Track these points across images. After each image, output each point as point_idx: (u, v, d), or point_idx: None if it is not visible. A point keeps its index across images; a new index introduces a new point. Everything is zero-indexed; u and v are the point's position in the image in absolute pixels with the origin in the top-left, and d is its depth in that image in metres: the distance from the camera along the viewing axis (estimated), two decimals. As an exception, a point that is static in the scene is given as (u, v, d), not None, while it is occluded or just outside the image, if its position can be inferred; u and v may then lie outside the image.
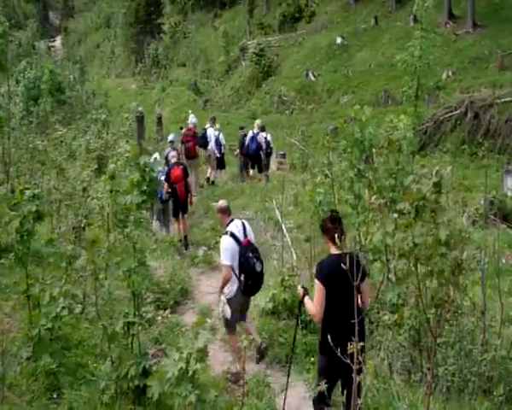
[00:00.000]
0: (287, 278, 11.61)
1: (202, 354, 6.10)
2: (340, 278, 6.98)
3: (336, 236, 7.25)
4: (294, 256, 14.33)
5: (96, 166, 19.37)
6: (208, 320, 11.99)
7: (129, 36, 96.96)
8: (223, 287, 10.57)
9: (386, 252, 9.43)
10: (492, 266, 10.03)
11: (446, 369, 8.24)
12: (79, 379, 8.07)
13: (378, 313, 9.77)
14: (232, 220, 10.88)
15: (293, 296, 11.15)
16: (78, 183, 15.64)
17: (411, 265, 7.31)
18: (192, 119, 25.98)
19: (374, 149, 10.88)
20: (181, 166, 17.64)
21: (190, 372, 5.99)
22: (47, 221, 12.07)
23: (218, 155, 25.74)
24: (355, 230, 10.44)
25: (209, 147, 25.42)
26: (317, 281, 7.61)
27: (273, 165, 28.95)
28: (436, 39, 20.81)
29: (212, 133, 25.46)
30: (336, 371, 7.32)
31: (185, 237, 17.47)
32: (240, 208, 20.28)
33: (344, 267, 5.76)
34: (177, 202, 17.50)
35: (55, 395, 7.66)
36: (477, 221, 18.38)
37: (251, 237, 10.76)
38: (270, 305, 11.53)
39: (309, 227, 14.51)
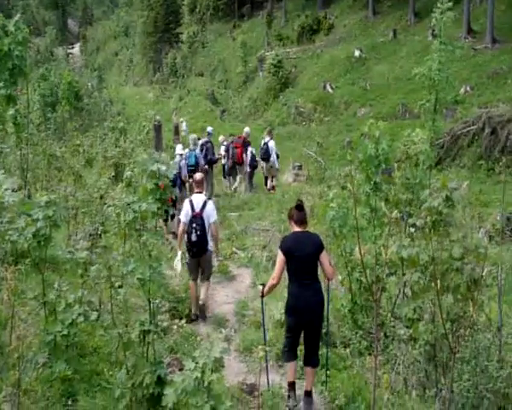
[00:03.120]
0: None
1: (218, 364, 6.09)
2: (298, 249, 9.01)
3: (298, 218, 9.29)
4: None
5: (113, 174, 19.43)
6: (223, 330, 12.03)
7: (147, 44, 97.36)
8: (179, 239, 13.32)
9: (403, 266, 9.40)
10: (509, 283, 10.01)
11: (462, 385, 8.20)
12: (94, 386, 8.08)
13: (394, 327, 9.75)
14: (199, 193, 13.37)
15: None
16: (95, 190, 15.72)
17: (427, 279, 7.32)
18: (246, 128, 28.29)
19: (393, 164, 10.88)
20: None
21: (205, 382, 5.99)
22: (63, 228, 12.12)
23: (277, 167, 27.18)
24: (371, 243, 10.41)
25: (271, 159, 26.33)
26: (279, 251, 9.21)
27: (290, 177, 29.02)
28: (455, 53, 20.78)
29: (273, 146, 26.42)
30: (298, 326, 9.25)
31: None
32: (256, 219, 20.32)
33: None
34: None
35: (70, 402, 7.68)
36: (494, 237, 18.29)
37: (206, 213, 12.95)
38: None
39: (324, 239, 14.56)
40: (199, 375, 5.99)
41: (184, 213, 13.02)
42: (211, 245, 13.27)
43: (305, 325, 9.23)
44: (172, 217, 18.74)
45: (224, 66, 77.48)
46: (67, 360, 7.61)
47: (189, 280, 13.41)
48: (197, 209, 12.93)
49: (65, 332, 7.53)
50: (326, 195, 14.11)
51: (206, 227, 12.97)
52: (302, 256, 9.01)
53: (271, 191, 26.00)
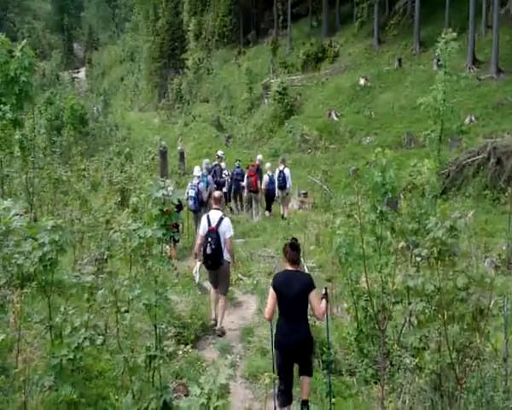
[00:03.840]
0: (308, 317, 11.58)
1: (223, 390, 6.09)
2: (287, 288, 9.32)
3: (290, 258, 9.57)
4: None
5: (119, 199, 19.49)
6: (229, 357, 12.01)
7: (153, 70, 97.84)
8: (197, 250, 14.32)
9: (408, 295, 9.40)
10: (515, 313, 9.98)
11: (467, 415, 8.18)
12: (100, 411, 8.09)
13: (399, 356, 9.73)
14: (217, 210, 14.10)
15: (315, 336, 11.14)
16: (101, 215, 15.76)
17: (433, 309, 7.33)
18: (259, 156, 28.76)
19: (399, 193, 10.90)
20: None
21: (211, 408, 5.99)
22: (69, 251, 12.15)
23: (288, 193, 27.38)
24: (377, 272, 10.42)
25: (287, 186, 26.61)
26: (270, 287, 9.55)
27: (295, 204, 29.07)
28: (459, 83, 20.83)
29: (289, 174, 26.75)
30: (283, 360, 9.52)
31: None
32: (261, 246, 20.31)
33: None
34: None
35: (75, 426, 7.68)
36: (500, 267, 18.25)
37: (221, 228, 13.69)
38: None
39: (330, 267, 14.59)
40: (205, 401, 5.99)
41: (202, 228, 13.97)
42: (227, 257, 13.93)
43: (291, 360, 9.60)
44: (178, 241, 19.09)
45: (229, 92, 77.68)
46: (73, 384, 7.60)
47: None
48: (213, 224, 13.72)
49: (71, 356, 7.52)
50: (332, 223, 14.12)
51: (222, 242, 13.70)
52: (290, 295, 9.34)
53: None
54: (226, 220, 13.97)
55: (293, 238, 10.19)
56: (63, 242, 7.57)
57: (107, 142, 51.17)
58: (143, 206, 9.47)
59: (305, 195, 31.84)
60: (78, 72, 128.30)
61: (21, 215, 6.98)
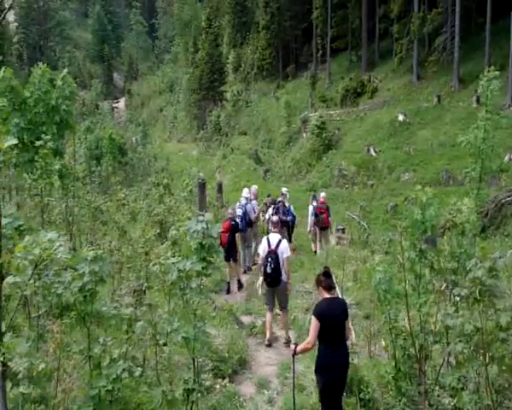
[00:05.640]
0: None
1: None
2: (330, 314, 9.66)
3: (327, 285, 9.95)
4: (353, 333, 14.24)
5: (158, 231, 19.56)
6: (266, 392, 11.95)
7: (191, 101, 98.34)
8: (259, 270, 15.43)
9: (447, 334, 9.33)
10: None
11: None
12: (138, 443, 8.10)
13: (438, 396, 9.64)
14: (275, 233, 15.35)
15: (351, 374, 11.07)
16: (140, 246, 15.85)
17: (472, 349, 7.27)
18: (323, 193, 28.76)
19: (438, 232, 10.84)
20: (232, 222, 20.44)
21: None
22: (108, 282, 12.22)
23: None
24: (416, 310, 10.35)
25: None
26: (313, 316, 9.72)
27: (333, 239, 29.00)
28: (500, 122, 20.71)
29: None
30: (332, 384, 9.75)
31: (238, 280, 20.62)
32: (299, 281, 20.23)
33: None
34: (222, 247, 19.81)
35: (113, 457, 7.69)
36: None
37: (280, 249, 14.81)
38: (329, 381, 11.40)
39: (368, 304, 14.52)
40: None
41: (262, 249, 15.17)
42: (284, 277, 14.99)
43: (339, 383, 9.87)
44: (234, 258, 20.61)
45: (267, 125, 77.98)
46: (111, 416, 7.62)
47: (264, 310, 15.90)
48: (272, 246, 14.91)
49: (109, 387, 7.54)
50: (370, 259, 14.08)
51: (280, 262, 14.83)
52: (334, 321, 9.70)
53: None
54: (284, 242, 15.16)
55: (325, 267, 10.56)
56: (103, 273, 7.62)
57: (146, 172, 51.56)
58: (182, 239, 9.51)
59: (343, 230, 31.72)
60: (117, 102, 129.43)
61: (64, 247, 7.03)
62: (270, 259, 14.80)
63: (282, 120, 73.55)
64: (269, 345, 14.86)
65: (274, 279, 14.88)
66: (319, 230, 26.99)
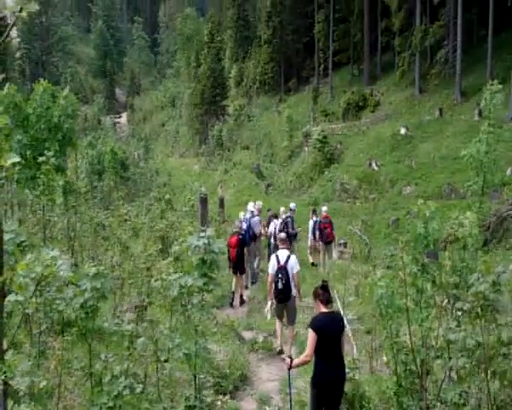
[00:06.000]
0: (347, 370, 11.49)
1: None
2: (327, 328, 9.86)
3: (324, 299, 10.18)
4: (355, 348, 14.22)
5: (159, 246, 19.57)
6: (267, 408, 11.93)
7: (193, 116, 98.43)
8: (269, 289, 15.72)
9: (449, 349, 9.31)
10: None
11: None
12: (139, 460, 8.06)
13: (439, 412, 9.62)
14: (284, 249, 15.65)
15: (353, 390, 11.07)
16: (142, 261, 15.85)
17: (473, 364, 7.26)
18: (324, 207, 28.86)
19: (440, 245, 10.81)
20: (239, 236, 20.88)
21: None
22: (110, 298, 12.21)
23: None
24: (417, 325, 10.34)
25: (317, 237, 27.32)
26: (310, 330, 9.88)
27: (334, 254, 28.99)
28: (503, 135, 20.76)
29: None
30: (323, 398, 9.85)
31: (241, 295, 20.79)
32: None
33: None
34: (230, 262, 20.79)
35: None
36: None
37: (288, 265, 15.16)
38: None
39: (370, 319, 14.50)
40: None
41: (271, 267, 15.46)
42: (294, 292, 15.45)
43: (334, 398, 10.03)
44: (242, 271, 21.02)
45: (269, 139, 78.00)
46: (113, 433, 7.60)
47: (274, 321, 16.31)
48: (282, 262, 15.24)
49: (110, 404, 7.52)
50: (372, 274, 14.07)
51: (290, 277, 15.22)
52: (330, 335, 9.89)
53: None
54: (293, 257, 15.57)
55: (323, 281, 10.88)
56: (105, 289, 7.62)
57: (148, 187, 51.55)
58: (184, 254, 9.50)
59: (345, 245, 31.74)
60: (119, 117, 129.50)
61: (66, 264, 7.03)
62: (280, 275, 15.11)
63: (283, 134, 73.58)
64: (280, 351, 15.17)
65: (285, 295, 15.18)
66: (324, 244, 27.05)
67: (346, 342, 10.13)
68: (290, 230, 24.99)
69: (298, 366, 10.50)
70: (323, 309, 10.18)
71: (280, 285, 15.12)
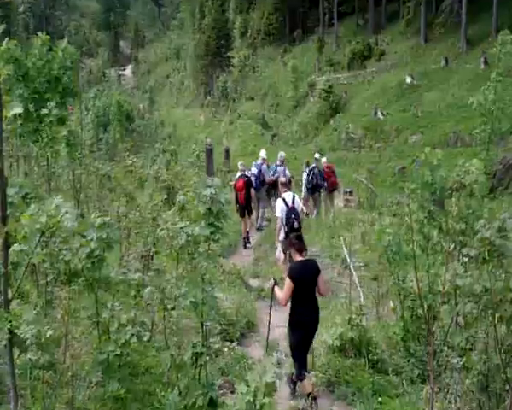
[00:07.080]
0: (354, 316, 11.51)
1: (270, 388, 6.07)
2: (303, 276, 10.31)
3: (299, 248, 10.61)
4: (361, 295, 14.23)
5: (165, 196, 19.53)
6: (274, 354, 11.98)
7: (198, 68, 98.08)
8: (278, 233, 16.66)
9: (456, 295, 9.30)
10: None
11: (515, 416, 8.07)
12: (147, 406, 8.11)
13: (446, 356, 9.64)
14: (286, 191, 16.75)
15: (360, 335, 11.11)
16: (148, 211, 15.83)
17: (480, 309, 7.25)
18: (324, 158, 28.41)
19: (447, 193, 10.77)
20: (245, 179, 21.62)
21: (257, 406, 5.97)
22: (116, 248, 12.21)
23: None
24: (424, 271, 10.33)
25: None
26: (287, 278, 10.33)
27: (340, 202, 28.99)
28: (511, 84, 20.61)
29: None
30: (305, 338, 10.42)
31: (247, 237, 21.67)
32: (307, 245, 20.25)
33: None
34: (239, 206, 21.51)
35: (122, 422, 7.71)
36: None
37: (296, 205, 16.29)
38: (338, 342, 11.41)
39: (376, 266, 14.48)
40: (251, 398, 5.98)
41: (280, 210, 16.31)
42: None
43: (310, 336, 10.57)
44: (250, 212, 21.94)
45: (274, 90, 77.75)
46: (120, 380, 7.61)
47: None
48: (290, 204, 16.21)
49: (118, 352, 7.52)
50: (378, 222, 14.06)
51: (300, 215, 16.41)
52: (305, 282, 10.35)
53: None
54: (296, 197, 16.71)
55: (296, 230, 12.77)
56: (111, 239, 7.60)
57: (153, 139, 51.42)
58: (191, 204, 9.47)
59: (351, 193, 31.70)
60: (124, 69, 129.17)
61: (71, 213, 6.99)
62: (293, 215, 16.06)
63: (289, 84, 73.27)
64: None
65: (300, 232, 15.11)
66: (328, 193, 26.96)
67: (353, 289, 10.07)
68: (319, 181, 24.96)
69: (272, 293, 11.27)
70: (298, 257, 10.61)
71: (296, 224, 15.94)
